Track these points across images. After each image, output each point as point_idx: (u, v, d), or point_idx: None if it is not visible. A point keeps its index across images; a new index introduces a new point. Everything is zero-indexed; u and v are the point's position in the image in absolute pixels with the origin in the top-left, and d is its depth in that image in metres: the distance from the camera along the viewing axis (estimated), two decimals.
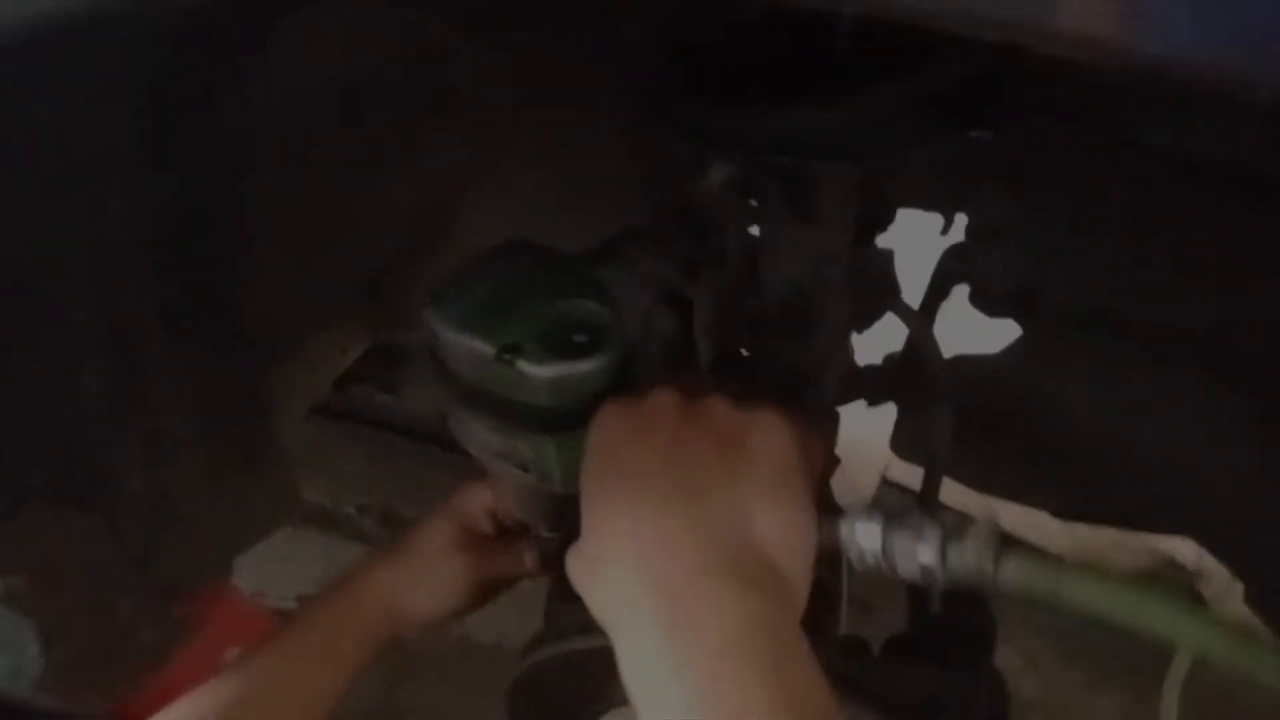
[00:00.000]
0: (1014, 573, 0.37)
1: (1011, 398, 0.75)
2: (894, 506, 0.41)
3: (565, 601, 0.66)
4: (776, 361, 0.55)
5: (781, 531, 0.40)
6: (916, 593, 0.60)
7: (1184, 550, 1.60)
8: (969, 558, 0.38)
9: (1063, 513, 0.86)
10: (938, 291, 0.67)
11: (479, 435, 0.50)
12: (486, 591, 0.70)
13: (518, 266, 0.51)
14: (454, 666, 1.34)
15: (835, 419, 0.59)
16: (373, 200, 0.77)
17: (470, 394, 0.48)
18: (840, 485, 0.64)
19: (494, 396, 0.47)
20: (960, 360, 0.72)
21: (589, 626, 0.58)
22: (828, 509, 0.42)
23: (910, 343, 0.71)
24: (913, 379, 0.73)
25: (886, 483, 1.63)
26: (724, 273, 0.74)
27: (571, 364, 0.46)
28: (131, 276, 0.56)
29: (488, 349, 0.46)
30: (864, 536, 0.41)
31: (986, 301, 0.69)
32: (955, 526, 0.39)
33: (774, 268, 0.53)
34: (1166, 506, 0.80)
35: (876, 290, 0.59)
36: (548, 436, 0.48)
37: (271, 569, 1.45)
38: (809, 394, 0.55)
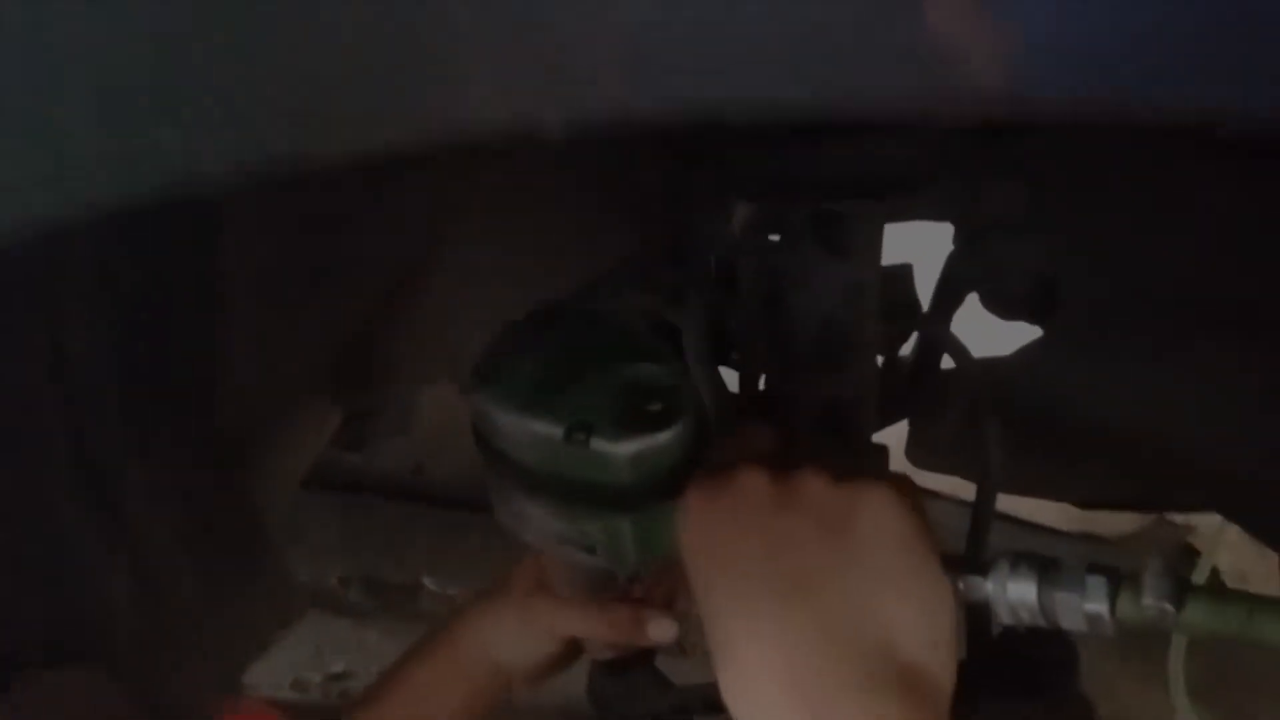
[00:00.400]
0: (1200, 615, 0.35)
1: (1029, 396, 0.74)
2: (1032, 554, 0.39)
3: (609, 676, 0.63)
4: (814, 397, 0.53)
5: (916, 621, 0.37)
6: (979, 624, 0.58)
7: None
8: (1148, 602, 0.36)
9: (1086, 503, 0.85)
10: (948, 298, 0.65)
11: (537, 520, 0.46)
12: (580, 646, 0.65)
13: (564, 335, 0.48)
14: None
15: (884, 452, 0.56)
16: (344, 261, 0.72)
17: (530, 478, 0.44)
18: None
19: (559, 479, 0.44)
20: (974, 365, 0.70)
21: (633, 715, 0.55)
22: (955, 566, 0.39)
23: (920, 354, 0.69)
24: (926, 387, 0.71)
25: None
26: (706, 291, 0.72)
27: (650, 437, 0.42)
28: (99, 405, 0.51)
29: (554, 430, 0.42)
30: (1017, 593, 0.38)
31: (1003, 302, 0.67)
32: (1117, 570, 0.37)
33: (804, 302, 0.50)
34: (1191, 484, 0.80)
35: (901, 310, 0.56)
36: (624, 516, 0.44)
37: (259, 659, 1.37)
38: (850, 427, 0.53)
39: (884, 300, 0.55)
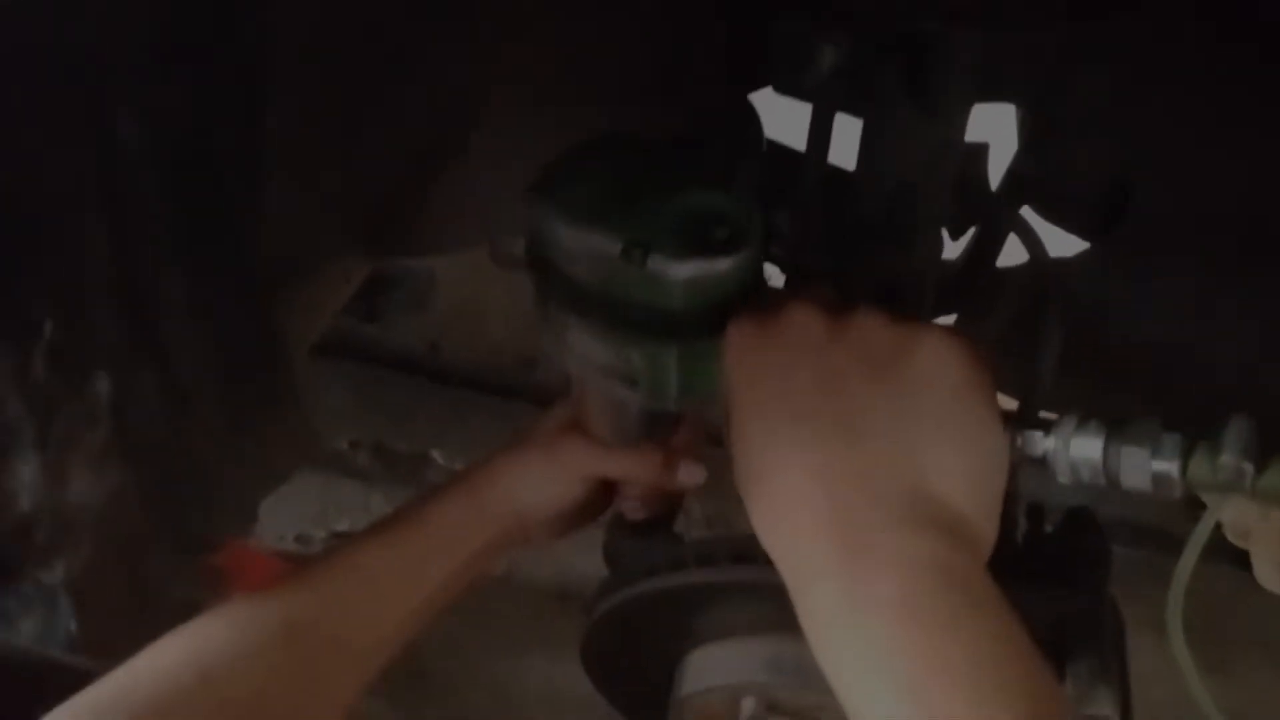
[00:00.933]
0: None
1: (1079, 306, 0.71)
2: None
3: (629, 536, 0.62)
4: (872, 276, 0.51)
5: (964, 470, 0.36)
6: (1011, 514, 0.57)
7: None
8: (1225, 460, 0.34)
9: None
10: (1011, 196, 0.62)
11: (583, 344, 0.45)
12: (603, 499, 0.62)
13: (631, 156, 0.45)
14: (466, 597, 1.31)
15: None
16: (388, 114, 0.70)
17: (579, 297, 0.43)
18: None
19: (610, 300, 0.42)
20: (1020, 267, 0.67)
21: (658, 567, 0.54)
22: (1016, 422, 0.38)
23: (977, 248, 0.66)
24: (979, 288, 0.69)
25: None
26: (750, 186, 0.69)
27: (710, 262, 0.40)
28: (144, 208, 0.49)
29: (612, 245, 0.40)
30: (1081, 449, 0.37)
31: (1063, 208, 0.64)
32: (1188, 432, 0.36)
33: (880, 164, 0.48)
34: (1225, 408, 0.78)
35: (972, 192, 0.54)
36: (671, 345, 0.42)
37: (266, 508, 1.39)
38: (906, 308, 0.51)
39: (958, 176, 0.52)
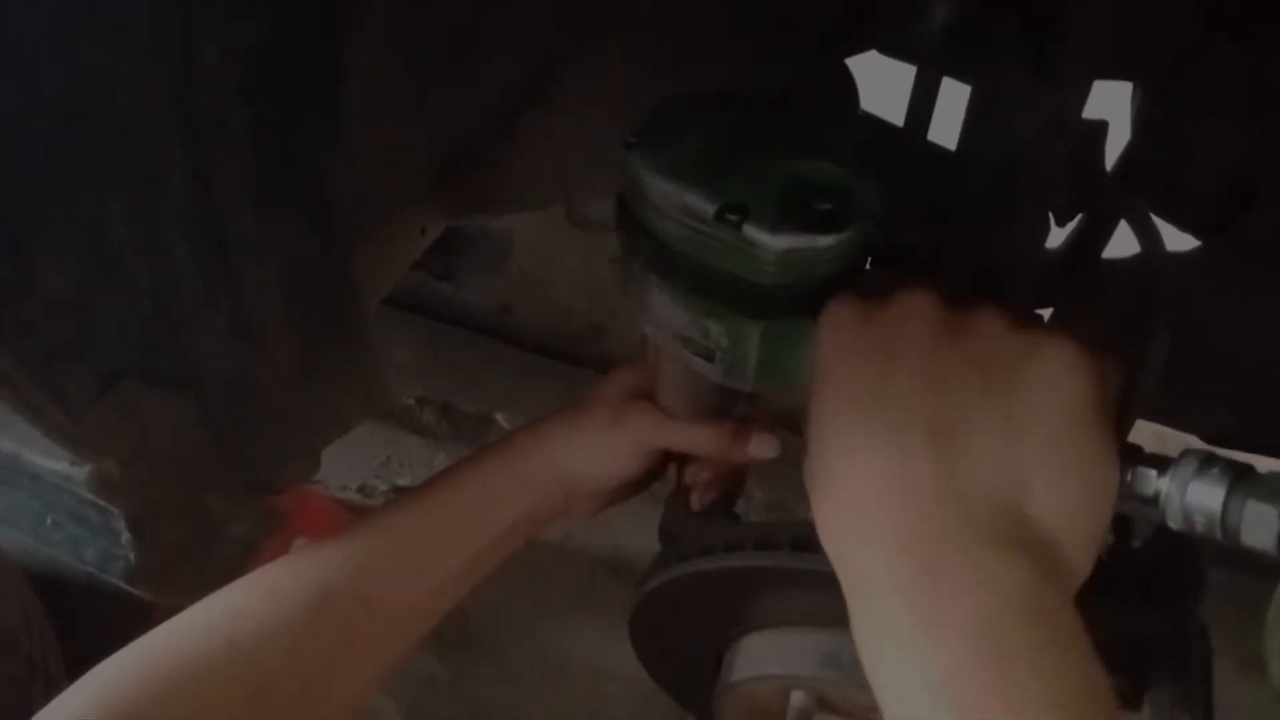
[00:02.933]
0: None
1: (1190, 307, 0.66)
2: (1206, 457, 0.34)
3: (687, 514, 0.60)
4: (973, 253, 0.47)
5: (1067, 496, 0.33)
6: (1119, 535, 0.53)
7: None
8: None
9: (1216, 439, 0.78)
10: (1130, 181, 0.58)
11: (663, 308, 0.42)
12: (655, 471, 0.60)
13: (737, 115, 0.43)
14: (517, 563, 1.32)
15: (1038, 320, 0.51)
16: (476, 59, 0.69)
17: (666, 258, 0.41)
18: None
19: (698, 264, 0.40)
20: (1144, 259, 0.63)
21: (714, 547, 0.52)
22: (1129, 456, 0.35)
23: (1084, 237, 0.62)
24: (1082, 281, 0.64)
25: None
26: (849, 138, 0.65)
27: (810, 236, 0.37)
28: (224, 137, 0.49)
29: (707, 206, 0.38)
30: (1199, 495, 0.34)
31: (1179, 201, 0.60)
32: None
33: (990, 134, 0.44)
34: None
35: (1085, 172, 0.50)
36: (756, 321, 0.40)
37: (330, 457, 1.41)
38: (1009, 293, 0.47)
39: (1072, 156, 0.48)
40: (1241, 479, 0.34)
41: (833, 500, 0.35)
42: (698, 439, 0.56)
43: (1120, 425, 0.41)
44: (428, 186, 0.78)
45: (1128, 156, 0.59)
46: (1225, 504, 0.33)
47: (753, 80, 0.68)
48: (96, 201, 0.42)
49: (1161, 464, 0.36)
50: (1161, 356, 0.50)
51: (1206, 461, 0.35)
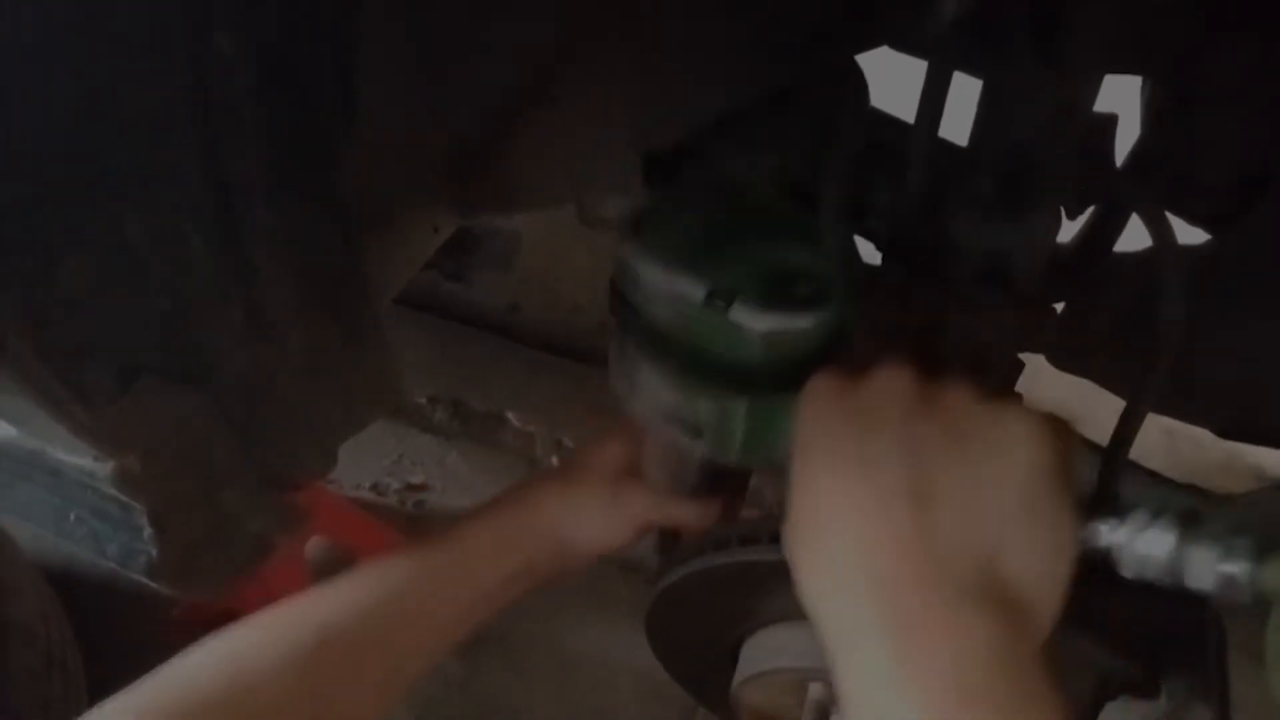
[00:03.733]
0: None
1: (1198, 299, 0.66)
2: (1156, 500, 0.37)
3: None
4: (980, 244, 0.47)
5: (1033, 557, 0.35)
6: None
7: None
8: None
9: (1226, 432, 0.78)
10: (1141, 173, 0.58)
11: (651, 390, 0.45)
12: (644, 530, 0.63)
13: (722, 202, 0.45)
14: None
15: (1051, 312, 0.51)
16: (479, 54, 0.69)
17: (657, 340, 0.42)
18: None
19: (686, 346, 0.42)
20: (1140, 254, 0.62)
21: (727, 540, 0.53)
22: (1093, 509, 0.37)
23: (1095, 230, 0.62)
24: (1095, 274, 0.64)
25: None
26: (850, 154, 0.65)
27: (790, 318, 0.40)
28: (237, 130, 0.49)
29: (696, 291, 0.40)
30: (1150, 545, 0.36)
31: (1188, 193, 0.59)
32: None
33: (999, 127, 0.44)
34: None
35: (1094, 164, 0.50)
36: (742, 399, 0.42)
37: (343, 457, 1.42)
38: (1027, 287, 0.48)
39: (1082, 149, 0.48)
40: (1188, 528, 0.36)
41: (815, 560, 0.37)
42: (688, 517, 0.60)
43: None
44: (438, 183, 0.79)
45: (1138, 149, 0.59)
46: (1171, 552, 0.36)
47: (764, 74, 0.69)
48: (113, 197, 0.42)
49: (1124, 513, 0.38)
50: (1173, 349, 0.50)
51: (1157, 512, 0.37)
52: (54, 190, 0.40)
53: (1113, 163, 0.53)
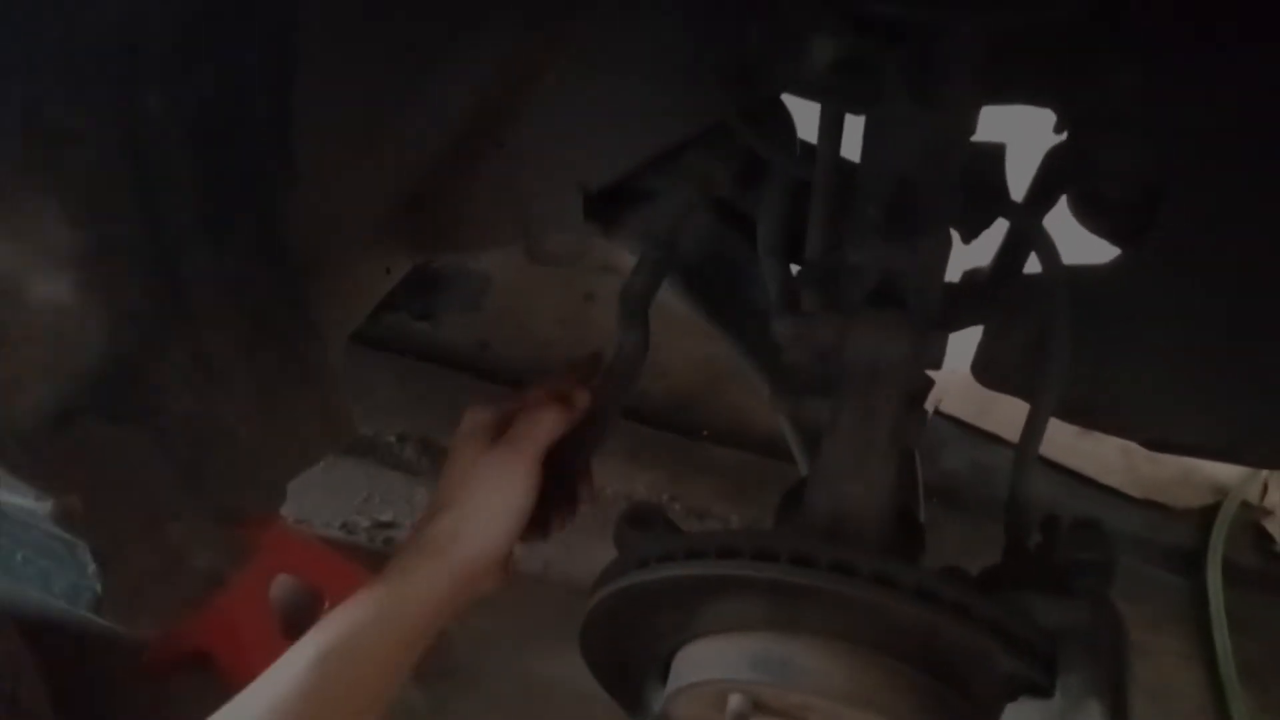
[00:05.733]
0: None
1: (1114, 311, 0.69)
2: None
3: (634, 526, 0.63)
4: (876, 266, 0.50)
5: None
6: (1016, 529, 0.56)
7: (1251, 489, 1.55)
8: None
9: (1155, 444, 0.80)
10: (1043, 196, 0.61)
11: None
12: (533, 480, 0.64)
13: None
14: (500, 595, 1.34)
15: (942, 337, 0.54)
16: (418, 102, 0.72)
17: None
18: None
19: None
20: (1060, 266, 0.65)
21: (665, 556, 0.55)
22: None
23: (1005, 254, 0.65)
24: (1006, 295, 0.67)
25: (940, 415, 1.59)
26: (782, 188, 0.68)
27: None
28: (172, 182, 0.52)
29: None
30: None
31: (1095, 209, 0.62)
32: None
33: (881, 159, 0.47)
34: (1271, 437, 0.75)
35: (986, 191, 0.53)
36: None
37: (312, 497, 1.44)
38: (913, 306, 0.50)
39: (970, 177, 0.52)
40: None
41: None
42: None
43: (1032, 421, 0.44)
44: (384, 226, 0.81)
45: (1046, 170, 0.62)
46: None
47: (696, 113, 0.72)
48: (54, 240, 0.45)
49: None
50: (1062, 364, 0.53)
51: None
52: None
53: (1003, 189, 0.56)
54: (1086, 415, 0.81)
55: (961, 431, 1.64)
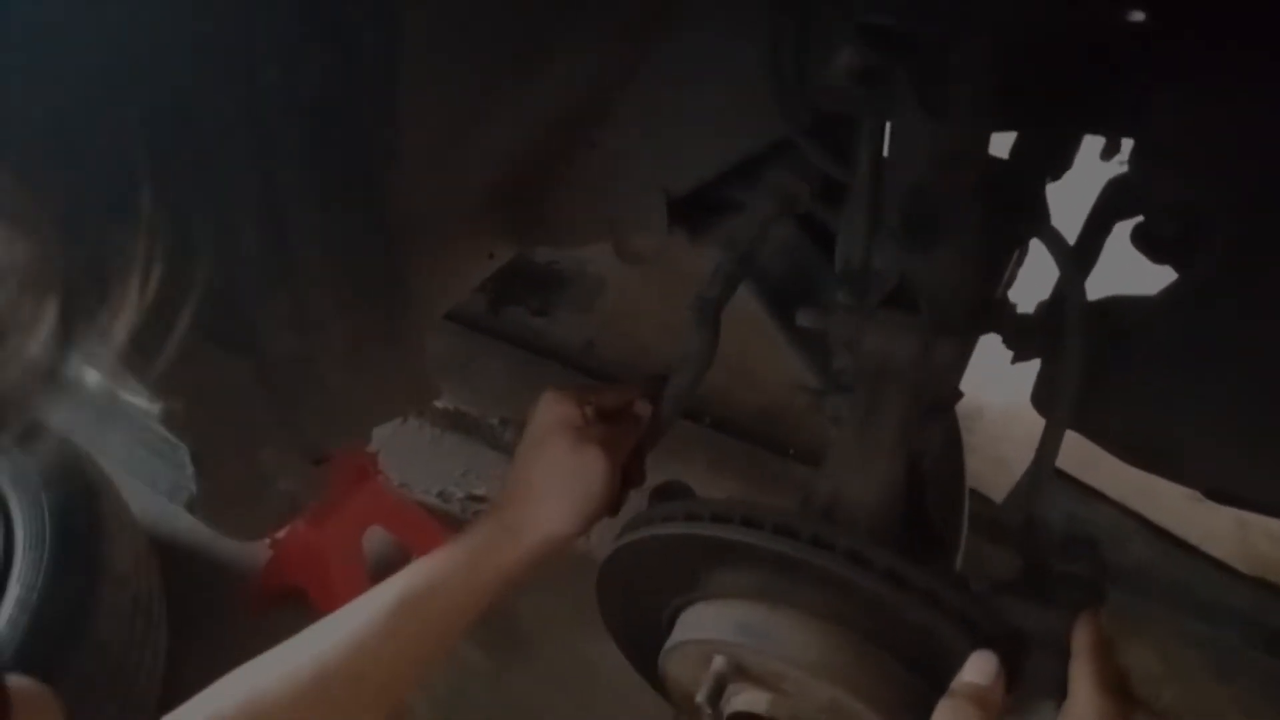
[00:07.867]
0: None
1: (1177, 354, 0.67)
2: None
3: (659, 499, 0.67)
4: (896, 273, 0.53)
5: None
6: (1026, 543, 0.57)
7: None
8: None
9: (1217, 495, 0.77)
10: (1098, 227, 0.61)
11: None
12: (615, 479, 0.70)
13: None
14: (563, 570, 1.40)
15: (954, 343, 0.56)
16: (519, 96, 0.78)
17: None
18: None
19: None
20: (1115, 302, 0.65)
21: (675, 514, 0.58)
22: None
23: (1059, 286, 0.66)
24: (1052, 326, 0.67)
25: None
26: (863, 197, 0.71)
27: None
28: (286, 147, 0.60)
29: None
30: None
31: (1153, 240, 0.62)
32: None
33: (898, 168, 0.50)
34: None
35: (1021, 213, 0.55)
36: None
37: (416, 464, 1.54)
38: (929, 310, 0.53)
39: (1003, 196, 0.54)
40: None
41: None
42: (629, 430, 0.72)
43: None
44: (484, 214, 0.88)
45: (1102, 203, 0.62)
46: None
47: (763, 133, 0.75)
48: (182, 191, 0.53)
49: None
50: (1072, 390, 0.53)
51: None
52: (134, 177, 0.50)
53: (1044, 214, 0.57)
54: (1147, 458, 0.79)
55: (1062, 484, 1.58)
